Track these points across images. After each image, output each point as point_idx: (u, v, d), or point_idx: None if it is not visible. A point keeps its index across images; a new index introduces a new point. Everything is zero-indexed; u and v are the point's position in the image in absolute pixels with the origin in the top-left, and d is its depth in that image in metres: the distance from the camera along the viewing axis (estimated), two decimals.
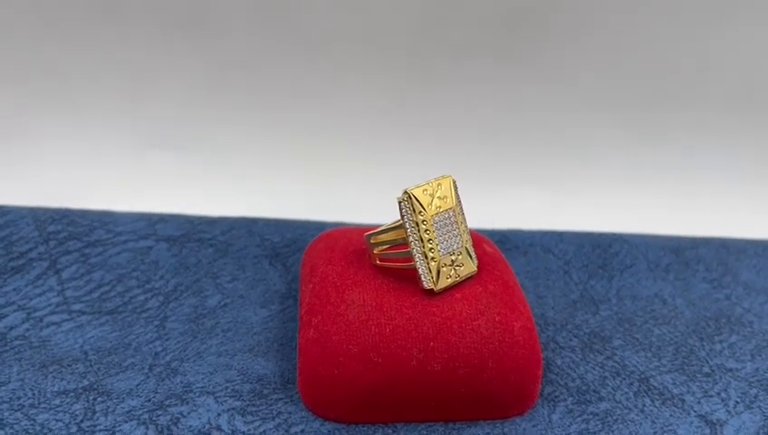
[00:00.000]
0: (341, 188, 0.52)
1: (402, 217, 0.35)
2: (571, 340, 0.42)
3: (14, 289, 0.42)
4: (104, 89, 0.51)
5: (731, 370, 0.40)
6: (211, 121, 0.52)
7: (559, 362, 0.40)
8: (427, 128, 0.53)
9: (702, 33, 0.51)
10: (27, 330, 0.39)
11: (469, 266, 0.37)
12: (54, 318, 0.40)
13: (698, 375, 0.39)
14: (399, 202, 0.35)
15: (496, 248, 0.42)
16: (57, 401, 0.35)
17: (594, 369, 0.40)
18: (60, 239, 0.45)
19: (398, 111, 0.53)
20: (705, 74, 0.53)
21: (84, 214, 0.47)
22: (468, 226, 0.48)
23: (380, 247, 0.37)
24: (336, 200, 0.51)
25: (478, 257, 0.38)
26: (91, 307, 0.41)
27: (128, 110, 0.52)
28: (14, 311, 0.40)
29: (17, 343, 0.38)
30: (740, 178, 0.55)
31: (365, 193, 0.50)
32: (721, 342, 0.42)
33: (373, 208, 0.46)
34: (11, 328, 0.39)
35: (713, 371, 0.40)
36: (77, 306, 0.41)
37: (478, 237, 0.42)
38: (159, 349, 0.39)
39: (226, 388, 0.36)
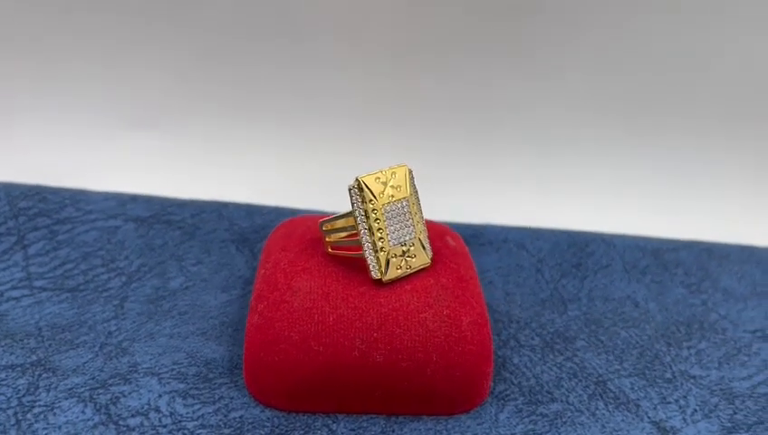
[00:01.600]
0: (316, 176, 0.51)
1: (352, 204, 0.35)
2: (532, 338, 0.41)
3: None
4: (84, 69, 0.51)
5: (694, 377, 0.39)
6: (190, 105, 0.52)
7: (516, 360, 0.39)
8: (407, 119, 0.52)
9: (690, 36, 0.50)
10: None
11: (422, 258, 0.36)
12: (15, 293, 0.41)
13: (659, 381, 0.38)
14: (350, 189, 0.34)
15: (462, 242, 0.41)
16: (3, 375, 0.35)
17: (551, 369, 0.39)
18: (30, 215, 0.45)
19: (377, 102, 0.52)
20: (692, 76, 0.51)
21: (56, 191, 0.47)
22: (442, 219, 0.47)
23: (333, 235, 0.36)
24: (310, 188, 0.51)
25: (437, 250, 0.38)
26: (53, 284, 0.42)
27: (107, 91, 0.52)
28: None
29: None
30: (728, 183, 0.53)
31: (339, 181, 0.50)
32: (689, 348, 0.41)
33: (345, 197, 0.46)
34: None
35: (675, 377, 0.39)
36: (39, 283, 0.42)
37: (443, 230, 0.41)
38: (114, 328, 0.39)
39: (172, 370, 0.36)
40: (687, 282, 0.46)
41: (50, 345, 0.37)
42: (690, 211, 0.52)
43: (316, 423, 0.34)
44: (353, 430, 0.34)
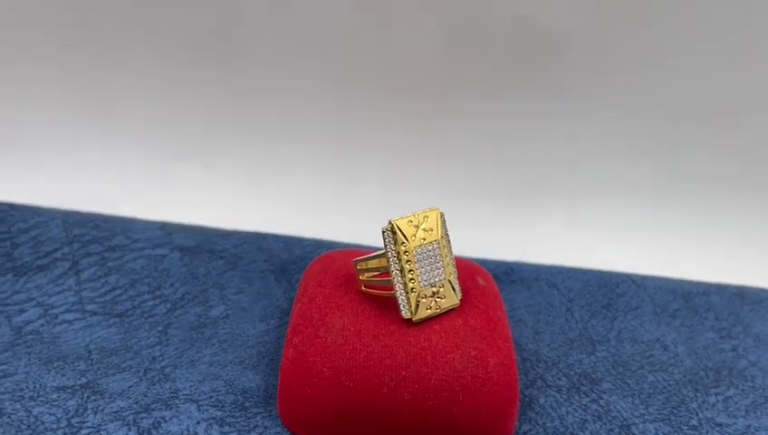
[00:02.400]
0: (354, 211, 0.53)
1: (385, 246, 0.36)
2: (559, 379, 0.42)
3: (37, 286, 0.45)
4: (137, 106, 0.54)
5: (720, 424, 0.39)
6: (233, 139, 0.54)
7: (542, 400, 0.40)
8: (442, 158, 0.54)
9: (722, 79, 0.50)
10: (42, 326, 0.42)
11: (451, 299, 0.37)
12: (68, 316, 0.43)
13: (684, 427, 0.39)
14: (383, 232, 0.36)
15: (492, 282, 0.42)
16: (54, 396, 0.37)
17: (576, 411, 0.39)
18: (83, 242, 0.48)
19: (414, 140, 0.54)
20: (726, 119, 0.51)
21: (108, 219, 0.50)
22: (474, 255, 0.48)
23: (366, 274, 0.38)
24: (348, 222, 0.52)
25: (467, 290, 0.39)
26: (103, 308, 0.44)
27: (157, 126, 0.55)
28: (33, 307, 0.43)
29: (30, 337, 0.41)
30: (761, 224, 0.53)
31: (376, 217, 0.51)
32: (717, 395, 0.41)
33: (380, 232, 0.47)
34: (27, 323, 0.42)
35: (701, 424, 0.39)
36: (90, 307, 0.44)
37: (475, 269, 0.42)
38: (157, 354, 0.41)
39: (211, 397, 0.38)
40: (718, 326, 0.46)
41: (98, 369, 0.40)
42: (722, 254, 0.52)
43: None
44: None
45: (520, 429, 0.38)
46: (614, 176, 0.53)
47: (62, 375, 0.39)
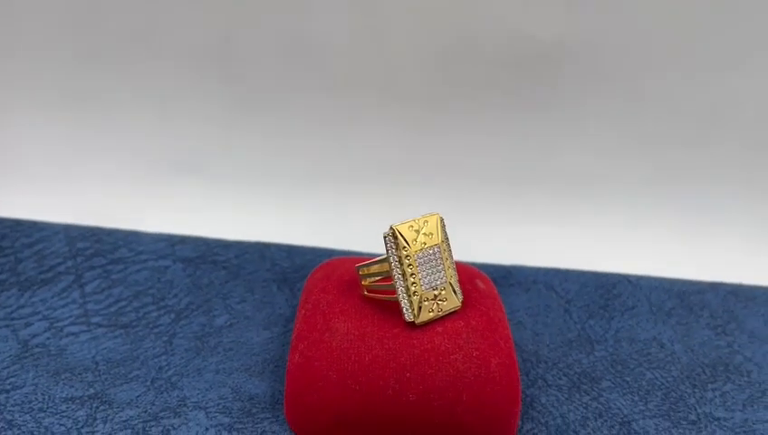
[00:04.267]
0: (352, 218, 0.54)
1: (387, 251, 0.37)
2: (560, 378, 0.42)
3: (41, 300, 0.45)
4: (138, 117, 0.55)
5: (719, 419, 0.40)
6: (233, 151, 0.55)
7: (543, 399, 0.41)
8: (438, 164, 0.55)
9: (715, 76, 0.51)
10: (48, 338, 0.43)
11: (453, 301, 0.38)
12: (74, 329, 0.44)
13: (683, 422, 0.39)
14: (385, 237, 0.37)
15: (491, 284, 0.43)
16: (63, 407, 0.38)
17: (577, 409, 0.40)
18: (87, 255, 0.49)
19: (410, 147, 0.55)
20: (719, 117, 0.52)
21: (111, 232, 0.50)
22: (472, 260, 0.49)
23: (369, 279, 0.39)
24: (347, 229, 0.53)
25: (467, 293, 0.40)
26: (108, 320, 0.45)
27: (158, 138, 0.55)
28: (39, 320, 0.44)
29: (37, 350, 0.42)
30: (754, 223, 0.54)
31: (374, 224, 0.52)
32: (714, 390, 0.42)
33: (380, 239, 0.48)
34: (34, 336, 0.43)
35: (699, 418, 0.40)
36: (96, 319, 0.45)
37: (474, 272, 0.43)
38: (164, 363, 0.42)
39: (218, 404, 0.39)
40: (713, 324, 0.47)
41: (106, 379, 0.40)
42: (716, 253, 0.53)
43: None
44: None
45: (523, 427, 0.38)
46: (607, 177, 0.55)
47: (71, 386, 0.39)
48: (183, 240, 0.51)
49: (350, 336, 0.37)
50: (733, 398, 0.42)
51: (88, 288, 0.47)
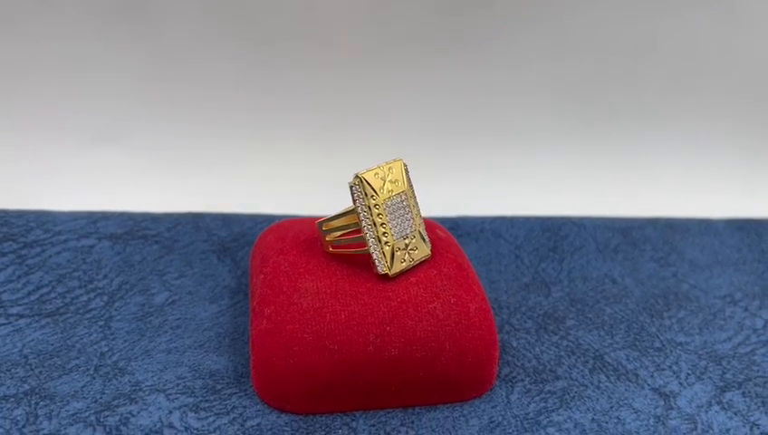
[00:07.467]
0: (288, 180, 0.51)
1: (354, 201, 0.35)
2: (525, 322, 0.42)
3: None
4: (39, 82, 0.49)
5: (681, 344, 0.41)
6: (154, 115, 0.50)
7: (514, 343, 0.40)
8: (371, 117, 0.52)
9: (645, 17, 0.52)
10: None
11: (423, 250, 0.36)
12: None
13: (650, 350, 0.40)
14: (351, 187, 0.34)
15: (449, 233, 0.42)
16: None
17: (549, 349, 0.40)
18: None
19: (341, 100, 0.52)
20: (648, 58, 0.54)
21: (20, 214, 0.45)
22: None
23: (333, 234, 0.36)
24: (283, 193, 0.50)
25: (432, 242, 0.38)
26: (30, 310, 0.40)
27: (64, 104, 0.50)
28: None
29: None
30: (682, 159, 0.57)
31: (312, 184, 0.49)
32: (670, 317, 0.43)
33: (320, 199, 0.46)
34: None
35: (664, 345, 0.41)
36: (14, 310, 0.39)
37: (430, 223, 0.42)
38: (105, 349, 0.37)
39: (178, 385, 0.35)
40: (656, 256, 0.49)
41: (40, 373, 0.35)
42: (651, 188, 0.55)
43: (335, 423, 0.34)
44: (373, 425, 0.34)
45: (501, 372, 0.38)
46: (542, 123, 0.55)
47: (1, 385, 0.34)
48: (105, 216, 0.46)
49: (321, 295, 0.34)
50: (689, 323, 0.43)
51: (0, 277, 0.41)
